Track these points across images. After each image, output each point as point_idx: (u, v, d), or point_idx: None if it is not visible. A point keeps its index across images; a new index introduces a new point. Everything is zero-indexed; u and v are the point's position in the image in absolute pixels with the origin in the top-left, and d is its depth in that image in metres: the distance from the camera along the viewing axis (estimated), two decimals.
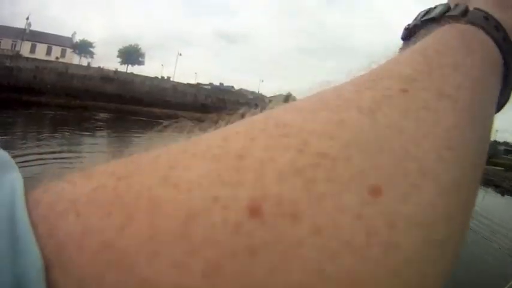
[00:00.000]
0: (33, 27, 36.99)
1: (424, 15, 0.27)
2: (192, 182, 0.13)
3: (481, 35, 0.23)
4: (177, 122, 0.19)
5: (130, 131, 15.75)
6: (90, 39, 41.80)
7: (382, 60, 0.22)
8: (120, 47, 40.64)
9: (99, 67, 31.72)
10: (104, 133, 14.93)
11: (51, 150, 9.73)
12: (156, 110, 28.11)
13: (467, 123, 0.17)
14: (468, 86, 0.19)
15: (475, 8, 0.25)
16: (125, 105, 27.57)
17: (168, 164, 0.14)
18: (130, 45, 40.45)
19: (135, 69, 38.56)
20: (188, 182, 0.13)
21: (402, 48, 0.28)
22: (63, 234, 0.12)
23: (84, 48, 38.74)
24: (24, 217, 0.12)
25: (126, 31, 75.45)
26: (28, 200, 0.13)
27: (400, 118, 0.15)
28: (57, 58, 34.46)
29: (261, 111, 0.18)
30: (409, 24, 0.28)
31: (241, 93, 44.33)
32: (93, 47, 39.74)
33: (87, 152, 10.18)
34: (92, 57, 39.68)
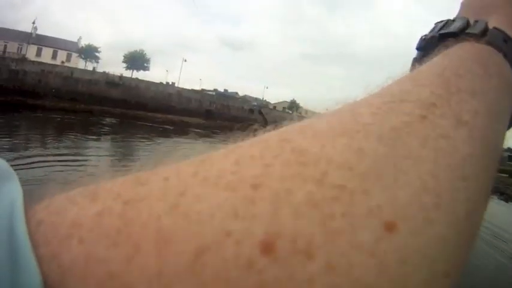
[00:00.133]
0: (39, 31, 37.18)
1: (442, 27, 0.27)
2: (204, 212, 0.12)
3: (499, 58, 0.23)
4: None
5: (136, 136, 15.52)
6: (95, 44, 42.23)
7: (398, 76, 0.22)
8: (126, 52, 40.73)
9: (104, 72, 31.65)
10: (110, 138, 14.67)
11: (57, 153, 9.48)
12: (161, 116, 27.93)
13: (482, 151, 0.17)
14: (484, 113, 0.19)
15: (495, 28, 0.25)
16: (130, 110, 27.38)
17: (178, 190, 0.13)
18: (136, 51, 40.39)
19: (140, 75, 38.64)
20: (199, 213, 0.12)
21: (417, 59, 0.28)
22: (66, 259, 0.12)
23: (89, 52, 38.72)
24: (23, 234, 0.12)
25: (131, 36, 75.86)
26: (28, 215, 0.13)
27: (419, 147, 0.15)
28: (62, 62, 34.51)
29: (274, 128, 0.17)
30: (425, 35, 0.28)
31: (245, 99, 44.23)
32: (98, 52, 39.79)
33: (92, 156, 9.92)
34: (98, 62, 39.74)
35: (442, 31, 0.27)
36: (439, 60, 0.22)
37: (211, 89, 47.99)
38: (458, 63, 0.21)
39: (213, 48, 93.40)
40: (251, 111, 36.90)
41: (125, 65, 39.54)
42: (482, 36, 0.24)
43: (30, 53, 34.22)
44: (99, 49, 39.83)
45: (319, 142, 0.15)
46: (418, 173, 0.14)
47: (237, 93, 49.87)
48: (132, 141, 14.25)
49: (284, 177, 0.13)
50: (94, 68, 36.35)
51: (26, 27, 43.26)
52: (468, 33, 0.25)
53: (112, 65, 46.43)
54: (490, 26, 0.25)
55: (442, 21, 0.28)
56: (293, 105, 49.20)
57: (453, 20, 0.27)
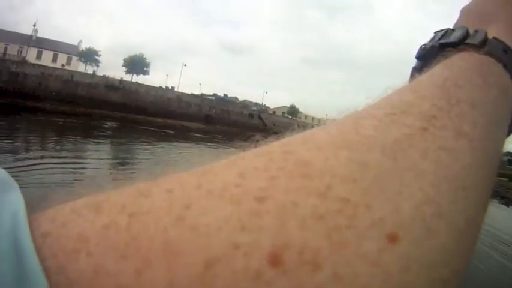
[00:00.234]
0: (40, 34, 37.21)
1: (442, 36, 0.27)
2: (211, 225, 0.12)
3: (498, 69, 0.24)
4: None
5: (139, 140, 15.47)
6: (95, 47, 42.00)
7: (398, 86, 0.22)
8: (126, 56, 40.85)
9: (104, 75, 31.65)
10: (110, 141, 14.60)
11: (58, 155, 9.41)
12: (161, 120, 27.90)
13: (481, 161, 0.18)
14: (483, 123, 0.19)
15: (494, 38, 0.25)
16: (130, 114, 27.35)
17: (183, 203, 0.13)
18: (136, 55, 40.48)
19: (140, 79, 38.62)
20: (206, 225, 0.12)
21: (417, 69, 0.29)
22: (74, 272, 0.12)
23: (89, 56, 38.74)
24: (30, 247, 0.12)
25: (131, 40, 75.99)
26: (32, 227, 0.13)
27: (420, 160, 0.16)
28: (62, 65, 34.51)
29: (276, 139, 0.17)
30: (425, 44, 0.29)
31: (245, 104, 44.27)
32: (98, 56, 39.79)
33: (93, 159, 9.86)
34: (98, 65, 39.78)
35: (442, 41, 0.27)
36: (439, 71, 0.23)
37: (211, 93, 48.05)
38: (458, 74, 0.22)
39: (213, 53, 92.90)
40: (251, 116, 36.94)
41: (124, 68, 39.63)
42: (482, 46, 0.25)
43: (31, 55, 34.23)
44: (99, 53, 39.92)
45: (323, 154, 0.15)
46: (419, 185, 0.15)
47: (236, 98, 49.95)
48: (133, 145, 14.19)
49: (289, 190, 0.13)
50: (94, 71, 36.28)
51: (26, 30, 43.31)
52: (468, 44, 0.25)
53: (112, 68, 46.50)
54: (490, 36, 0.25)
55: (441, 30, 0.29)
56: (292, 110, 49.33)
57: (453, 30, 0.27)
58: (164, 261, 0.12)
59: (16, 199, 0.14)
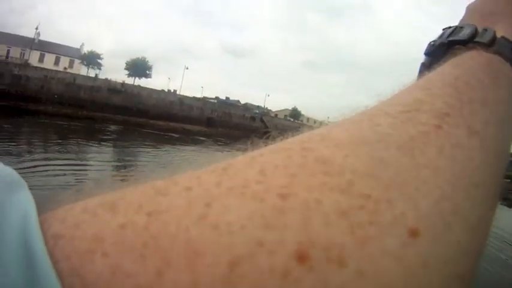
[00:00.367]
0: (42, 37, 37.25)
1: (451, 34, 0.28)
2: (234, 223, 0.12)
3: (506, 68, 0.24)
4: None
5: (144, 143, 15.39)
6: (98, 50, 42.13)
7: (409, 83, 0.23)
8: (128, 59, 40.82)
9: (106, 79, 31.57)
10: (115, 145, 14.53)
11: (62, 157, 9.34)
12: (163, 123, 27.83)
13: (492, 159, 0.18)
14: (494, 122, 0.20)
15: (503, 37, 0.26)
16: (132, 118, 27.29)
17: (204, 201, 0.13)
18: (138, 58, 40.40)
19: (142, 82, 38.58)
20: (229, 224, 0.12)
21: (426, 65, 0.29)
22: (89, 274, 0.11)
23: (92, 59, 38.71)
24: (42, 249, 0.12)
25: (133, 44, 76.12)
26: (43, 228, 0.13)
27: (436, 157, 0.16)
28: (65, 68, 34.50)
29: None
30: (434, 41, 0.29)
31: (247, 107, 44.21)
32: (100, 59, 39.71)
33: (95, 161, 9.78)
34: (100, 68, 39.66)
35: (451, 38, 0.27)
36: (449, 69, 0.23)
37: (213, 96, 48.11)
38: (468, 73, 0.22)
39: (214, 56, 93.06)
40: (253, 118, 36.84)
41: (127, 72, 39.59)
42: (491, 45, 0.25)
43: (33, 58, 34.18)
44: (101, 56, 39.89)
45: (342, 151, 0.15)
46: (436, 182, 0.15)
47: (238, 101, 49.94)
48: (137, 148, 14.10)
49: (311, 187, 0.13)
50: (96, 74, 36.31)
51: (29, 33, 43.41)
52: (477, 42, 0.26)
53: (114, 72, 46.40)
54: (498, 35, 0.26)
55: (450, 27, 0.29)
56: (294, 113, 49.28)
57: (461, 27, 0.28)
58: (186, 262, 0.11)
59: (26, 199, 0.14)
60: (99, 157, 10.70)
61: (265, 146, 0.17)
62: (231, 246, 0.11)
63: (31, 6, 64.70)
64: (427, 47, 0.30)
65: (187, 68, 48.16)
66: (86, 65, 38.31)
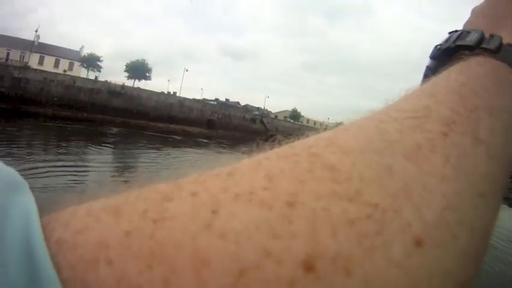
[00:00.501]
0: (42, 40, 37.19)
1: (457, 38, 0.28)
2: (241, 232, 0.12)
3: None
4: None
5: (146, 146, 15.32)
6: (97, 53, 41.85)
7: (414, 88, 0.23)
8: (128, 61, 40.70)
9: (106, 81, 31.50)
10: (118, 147, 14.46)
11: (66, 159, 9.28)
12: (163, 125, 27.76)
13: (497, 167, 0.18)
14: (499, 130, 0.20)
15: (509, 44, 0.26)
16: (132, 120, 27.22)
17: (210, 208, 0.13)
18: (138, 60, 40.33)
19: (142, 84, 38.47)
20: (236, 232, 0.12)
21: (431, 68, 0.29)
22: (94, 283, 0.11)
23: (91, 61, 38.57)
24: (45, 255, 0.12)
25: (133, 46, 76.10)
26: (46, 231, 0.12)
27: (442, 166, 0.16)
28: (64, 71, 34.37)
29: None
30: (440, 45, 0.29)
31: (246, 109, 44.13)
32: (100, 61, 39.54)
33: (97, 163, 9.72)
34: (99, 70, 39.50)
35: (458, 43, 0.27)
36: (456, 75, 0.23)
37: (213, 98, 48.08)
38: (474, 80, 0.22)
39: (214, 58, 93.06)
40: (253, 120, 36.79)
41: (126, 74, 39.51)
42: (497, 52, 0.25)
43: (33, 61, 34.13)
44: (101, 58, 39.80)
45: (350, 158, 0.15)
46: (442, 192, 0.15)
47: (238, 102, 49.84)
48: (139, 150, 14.04)
49: (319, 195, 0.13)
50: (96, 77, 36.14)
51: (29, 36, 43.30)
52: (483, 48, 0.26)
53: (114, 74, 46.50)
54: (504, 42, 0.26)
55: (456, 31, 0.29)
56: (294, 114, 49.22)
57: (468, 32, 0.28)
58: (193, 271, 0.11)
59: (27, 200, 0.13)
60: (102, 160, 10.62)
61: (271, 149, 0.17)
62: (239, 255, 0.11)
63: (32, 10, 64.76)
64: (433, 50, 0.29)
65: (187, 70, 48.14)
66: (85, 68, 38.21)
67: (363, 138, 0.17)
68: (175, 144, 17.90)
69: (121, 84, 31.77)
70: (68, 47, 40.07)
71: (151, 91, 32.43)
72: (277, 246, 0.12)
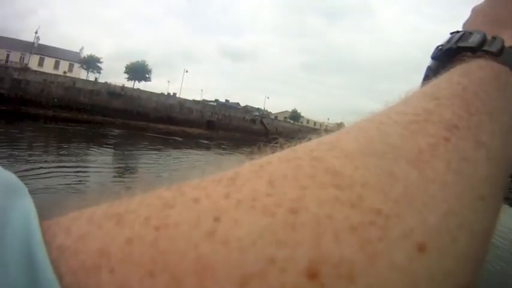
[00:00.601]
0: (42, 41, 37.20)
1: (459, 39, 0.28)
2: (244, 239, 0.12)
3: None
4: None
5: (147, 147, 15.34)
6: (97, 54, 41.85)
7: (415, 89, 0.23)
8: (127, 62, 40.73)
9: (106, 82, 31.52)
10: (116, 148, 14.47)
11: (69, 160, 9.29)
12: (163, 126, 27.77)
13: (497, 170, 0.19)
14: (500, 134, 0.20)
15: (511, 47, 0.26)
16: (132, 121, 27.23)
17: (212, 215, 0.13)
18: (138, 62, 40.34)
19: (142, 85, 38.44)
20: (240, 240, 0.12)
21: (432, 69, 0.29)
22: None
23: (91, 63, 38.58)
24: (46, 262, 0.12)
25: (133, 47, 76.20)
26: (46, 237, 0.12)
27: (444, 171, 0.16)
28: (64, 72, 34.38)
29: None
30: (441, 45, 0.29)
31: (246, 109, 44.15)
32: (100, 62, 39.57)
33: (99, 165, 9.73)
34: (99, 72, 39.55)
35: (460, 44, 0.27)
36: (458, 78, 0.23)
37: (213, 99, 48.08)
38: (476, 83, 0.22)
39: (214, 59, 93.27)
40: (253, 121, 36.79)
41: (126, 75, 39.54)
42: (499, 55, 0.25)
43: (33, 62, 34.14)
44: (101, 59, 39.83)
45: (352, 163, 0.15)
46: (444, 197, 0.15)
47: (238, 103, 49.89)
48: (140, 151, 14.05)
49: (322, 201, 0.13)
50: (96, 78, 36.13)
51: (29, 37, 43.36)
52: (485, 51, 0.26)
53: (114, 75, 46.54)
54: (506, 45, 0.26)
55: (457, 31, 0.29)
56: (294, 115, 49.25)
57: (470, 33, 0.28)
58: (196, 279, 0.11)
59: (27, 204, 0.13)
60: (103, 161, 10.63)
61: (273, 152, 0.17)
62: (242, 263, 0.11)
63: (32, 11, 64.83)
64: (435, 50, 0.29)
65: (186, 71, 48.17)
66: (85, 69, 38.22)
67: (364, 141, 0.17)
68: (176, 146, 17.90)
69: (121, 85, 31.76)
70: (67, 48, 40.16)
71: (151, 92, 32.45)
72: (281, 254, 0.12)
